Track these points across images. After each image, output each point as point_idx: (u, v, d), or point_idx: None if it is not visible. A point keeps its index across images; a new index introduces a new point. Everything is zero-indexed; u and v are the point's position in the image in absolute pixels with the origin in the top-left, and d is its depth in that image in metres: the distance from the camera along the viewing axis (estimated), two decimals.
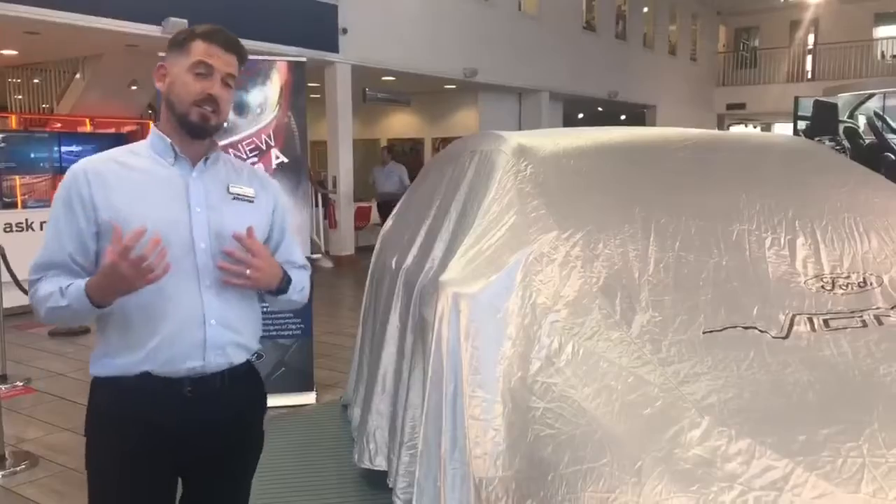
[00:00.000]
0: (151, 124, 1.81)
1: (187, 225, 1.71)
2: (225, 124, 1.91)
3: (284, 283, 1.82)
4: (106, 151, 1.77)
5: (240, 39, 1.79)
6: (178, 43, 1.75)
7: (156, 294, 1.63)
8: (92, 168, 1.71)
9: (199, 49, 1.72)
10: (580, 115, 20.95)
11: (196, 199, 1.74)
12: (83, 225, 1.68)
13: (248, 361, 1.85)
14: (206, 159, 1.78)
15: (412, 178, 4.31)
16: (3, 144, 9.16)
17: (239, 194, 1.81)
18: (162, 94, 1.76)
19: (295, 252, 1.95)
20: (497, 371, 2.04)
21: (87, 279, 1.63)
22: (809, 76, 22.78)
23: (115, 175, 1.70)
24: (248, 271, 1.70)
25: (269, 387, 5.00)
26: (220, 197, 1.78)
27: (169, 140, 1.75)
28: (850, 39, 21.43)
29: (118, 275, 1.54)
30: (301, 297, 1.91)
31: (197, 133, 1.74)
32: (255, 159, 4.58)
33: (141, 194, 1.70)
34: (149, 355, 1.69)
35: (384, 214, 11.58)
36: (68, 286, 1.64)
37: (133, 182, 1.71)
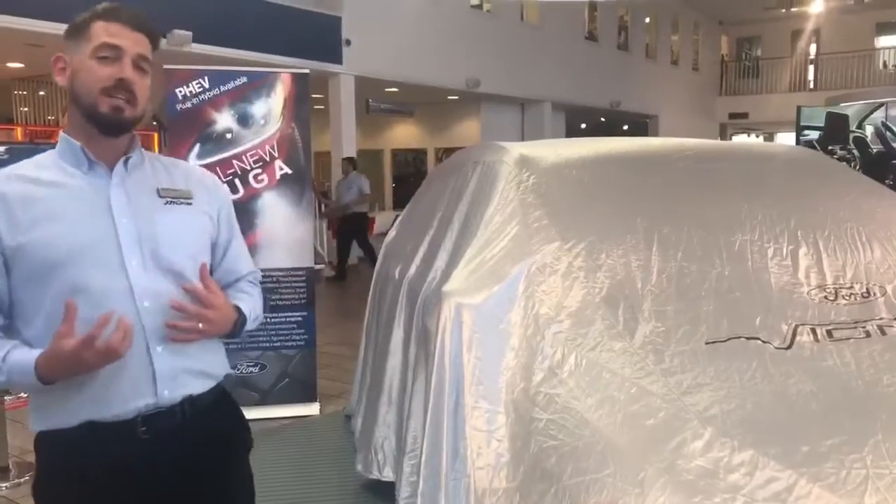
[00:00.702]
0: (61, 131, 1.54)
1: (113, 240, 1.45)
2: (151, 118, 1.66)
3: (238, 327, 1.59)
4: (7, 167, 1.51)
5: (148, 25, 1.53)
6: (76, 28, 1.49)
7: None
8: None
9: (100, 30, 1.46)
10: (583, 126, 20.98)
11: (119, 209, 1.47)
12: None
13: (216, 388, 1.61)
14: (127, 160, 1.51)
15: (411, 189, 4.33)
16: (6, 156, 9.18)
17: (173, 197, 1.55)
18: (66, 91, 1.50)
19: (242, 261, 1.71)
20: (500, 382, 2.04)
21: (36, 356, 1.37)
22: (811, 86, 22.82)
23: (17, 194, 1.43)
24: (200, 325, 1.47)
25: (273, 398, 5.02)
26: (149, 202, 1.52)
27: (78, 144, 1.48)
28: (851, 49, 21.47)
29: (79, 362, 1.34)
30: (254, 327, 1.67)
31: (110, 128, 1.47)
32: (259, 171, 4.59)
33: (52, 212, 1.43)
34: (87, 400, 1.43)
35: (343, 232, 10.80)
36: (5, 357, 1.39)
37: (41, 199, 1.44)
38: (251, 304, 1.66)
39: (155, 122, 12.60)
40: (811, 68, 23.29)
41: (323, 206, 11.72)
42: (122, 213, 1.48)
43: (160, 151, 11.47)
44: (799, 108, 10.41)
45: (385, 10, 11.72)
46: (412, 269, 3.17)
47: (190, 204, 1.58)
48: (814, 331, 2.07)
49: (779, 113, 20.40)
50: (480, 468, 2.00)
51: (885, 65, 22.27)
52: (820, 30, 22.61)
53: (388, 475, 3.11)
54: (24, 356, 1.39)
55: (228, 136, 4.54)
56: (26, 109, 13.53)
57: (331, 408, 4.87)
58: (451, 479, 2.11)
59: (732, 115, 23.71)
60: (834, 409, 1.75)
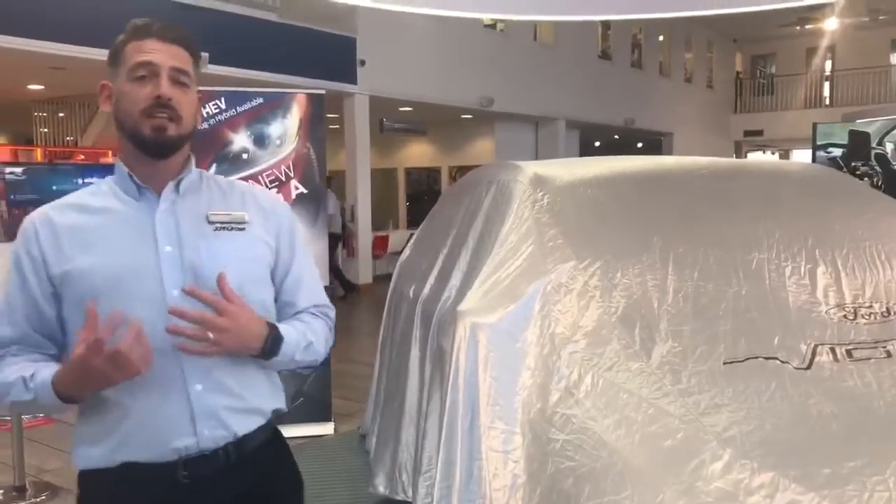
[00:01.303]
0: (117, 158, 1.51)
1: (155, 269, 1.37)
2: (198, 129, 1.50)
3: (269, 345, 1.40)
4: (66, 196, 1.49)
5: (187, 34, 1.45)
6: (113, 53, 1.43)
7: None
8: (42, 219, 1.42)
9: (132, 50, 1.39)
10: (597, 143, 20.98)
11: (164, 236, 1.40)
12: (36, 291, 1.39)
13: (266, 426, 1.49)
14: (179, 183, 1.44)
15: (425, 208, 4.33)
16: (23, 177, 9.30)
17: (223, 222, 1.44)
18: (113, 118, 1.44)
19: (302, 292, 1.53)
20: (516, 402, 2.02)
21: (55, 370, 1.33)
22: (827, 102, 22.72)
23: (68, 221, 1.41)
24: (210, 335, 1.32)
25: (288, 417, 5.01)
26: (196, 229, 1.42)
27: (126, 170, 1.43)
28: (867, 65, 21.38)
29: (92, 371, 1.25)
30: (308, 357, 1.49)
31: (156, 150, 1.40)
32: (276, 191, 4.62)
33: (96, 240, 1.38)
34: (124, 440, 1.36)
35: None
36: (32, 375, 1.34)
37: (88, 227, 1.40)
38: (299, 329, 1.48)
39: None
40: (826, 85, 23.20)
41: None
42: (167, 241, 1.40)
43: None
44: (815, 125, 10.37)
45: (399, 30, 11.81)
46: (427, 289, 3.17)
47: (242, 230, 1.45)
48: (833, 351, 2.04)
49: (794, 130, 20.31)
50: (497, 490, 1.99)
51: None
52: (835, 46, 22.55)
53: (405, 496, 3.10)
54: (45, 375, 1.34)
55: (245, 156, 4.58)
56: (46, 130, 13.72)
57: (345, 427, 4.86)
58: (466, 500, 2.09)
59: (747, 133, 23.63)
60: (855, 431, 1.72)
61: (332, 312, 1.60)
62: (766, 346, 2.04)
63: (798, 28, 20.04)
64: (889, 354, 2.06)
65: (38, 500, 3.82)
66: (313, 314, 1.55)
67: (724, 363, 1.96)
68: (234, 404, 1.42)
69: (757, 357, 2.00)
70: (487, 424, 2.05)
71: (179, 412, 1.37)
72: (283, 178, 4.65)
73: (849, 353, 2.04)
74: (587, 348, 2.01)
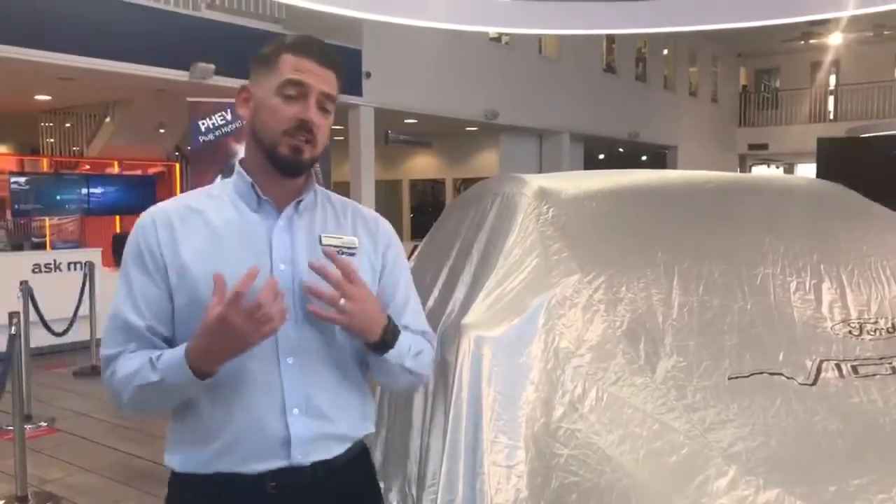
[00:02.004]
0: (237, 162, 1.50)
1: None
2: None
3: (389, 334, 1.41)
4: (181, 195, 1.51)
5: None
6: (264, 59, 1.42)
7: (224, 373, 1.32)
8: (160, 216, 1.42)
9: (288, 64, 1.39)
10: (601, 156, 21.01)
11: (280, 255, 1.40)
12: (160, 283, 1.39)
13: (354, 447, 1.49)
14: (299, 202, 1.45)
15: (430, 220, 4.32)
16: (26, 187, 9.35)
17: (334, 246, 1.43)
18: (246, 124, 1.46)
19: (407, 315, 1.53)
20: (520, 416, 2.02)
21: (185, 344, 1.32)
22: (831, 117, 22.74)
23: (185, 224, 1.41)
24: (342, 301, 1.32)
25: None
26: (309, 250, 1.42)
27: (250, 180, 1.44)
28: (871, 80, 21.41)
29: (230, 330, 1.25)
30: (418, 366, 1.49)
31: (288, 170, 1.42)
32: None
33: (213, 248, 1.39)
34: (220, 452, 1.38)
35: None
36: (159, 357, 1.34)
37: (205, 232, 1.40)
38: (410, 337, 1.49)
39: (177, 153, 12.81)
40: (831, 99, 23.23)
41: None
42: (282, 259, 1.40)
43: (181, 182, 11.65)
44: (820, 140, 10.38)
45: (404, 42, 11.87)
46: (430, 301, 3.17)
47: (353, 255, 1.45)
48: (839, 367, 2.03)
49: (799, 144, 20.32)
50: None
51: None
52: (839, 61, 22.59)
53: None
54: (176, 351, 1.32)
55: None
56: (52, 140, 13.80)
57: None
58: None
59: (752, 146, 23.64)
60: (861, 448, 1.71)
61: (435, 341, 1.61)
62: (772, 361, 2.04)
63: (802, 42, 20.11)
64: (894, 371, 2.05)
65: None
66: (415, 333, 1.54)
67: (730, 378, 1.96)
68: (329, 430, 1.43)
69: (762, 372, 1.99)
70: (491, 439, 2.05)
71: (276, 435, 1.38)
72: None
73: (854, 369, 2.03)
74: (592, 363, 2.00)
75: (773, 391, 1.91)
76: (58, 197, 9.73)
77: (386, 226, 1.58)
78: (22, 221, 10.24)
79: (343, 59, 1.45)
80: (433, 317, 3.00)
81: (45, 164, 11.94)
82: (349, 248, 1.45)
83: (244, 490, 1.38)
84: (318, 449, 1.42)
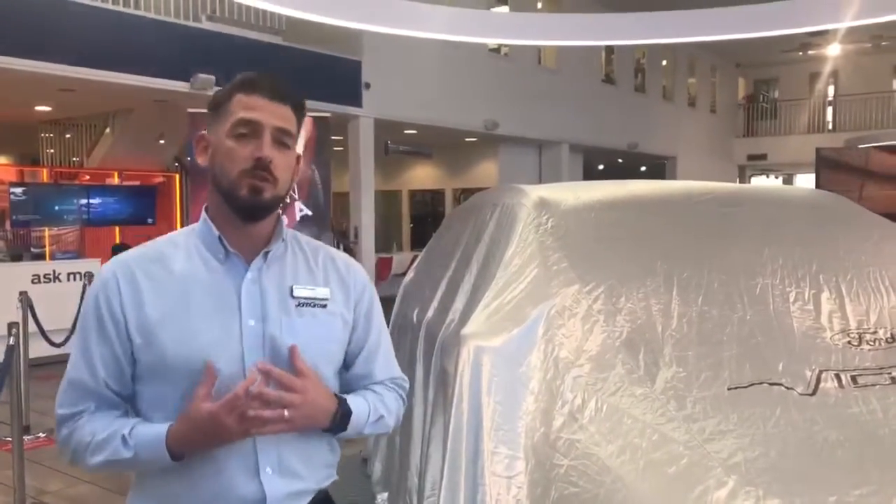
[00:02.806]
0: (203, 209, 1.43)
1: (237, 343, 1.33)
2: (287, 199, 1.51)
3: (338, 422, 1.38)
4: (143, 245, 1.42)
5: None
6: (217, 104, 1.39)
7: None
8: (123, 271, 1.36)
9: (239, 104, 1.35)
10: (600, 167, 21.04)
11: (249, 310, 1.35)
12: (117, 347, 1.34)
13: (319, 493, 1.46)
14: (267, 254, 1.39)
15: (429, 230, 4.35)
16: (26, 197, 9.37)
17: (307, 298, 1.40)
18: (208, 171, 1.40)
19: (378, 366, 1.51)
20: (519, 427, 2.02)
21: (167, 426, 1.28)
22: (830, 127, 22.80)
23: (149, 278, 1.35)
24: (285, 412, 1.27)
25: None
26: (280, 304, 1.38)
27: (217, 234, 1.37)
28: (869, 91, 21.48)
29: (219, 427, 1.23)
30: (377, 430, 1.49)
31: (249, 213, 1.36)
32: (280, 212, 4.64)
33: (178, 306, 1.33)
34: None
35: None
36: (131, 431, 1.30)
37: (170, 289, 1.34)
38: (371, 401, 1.46)
39: (177, 165, 12.84)
40: (829, 110, 23.30)
41: (342, 245, 11.81)
42: (251, 315, 1.35)
43: (181, 193, 11.66)
44: (818, 150, 10.40)
45: (404, 54, 11.92)
46: (430, 311, 3.17)
47: (324, 307, 1.41)
48: (838, 377, 2.03)
49: (798, 154, 20.36)
50: None
51: None
52: (838, 71, 22.67)
53: None
54: (153, 429, 1.29)
55: (286, 198, 4.60)
56: (52, 151, 13.83)
57: (347, 450, 4.82)
58: None
59: (751, 157, 23.69)
60: (861, 458, 1.71)
61: (407, 384, 1.60)
62: (771, 371, 2.04)
63: (801, 53, 20.20)
64: (894, 380, 2.04)
65: None
66: (386, 386, 1.53)
67: (729, 389, 1.95)
68: (299, 487, 1.39)
69: (762, 383, 1.99)
70: (490, 449, 2.04)
71: (250, 497, 1.33)
72: (288, 200, 4.68)
73: (854, 379, 2.03)
74: (591, 373, 2.00)
75: (773, 401, 1.91)
76: (57, 207, 9.75)
77: (359, 273, 1.53)
78: (21, 232, 10.25)
79: (299, 92, 1.41)
80: (433, 327, 3.00)
81: (45, 175, 11.97)
82: (321, 299, 1.41)
83: None
84: None
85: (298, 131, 1.41)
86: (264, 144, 1.33)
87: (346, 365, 1.49)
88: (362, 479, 4.16)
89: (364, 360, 1.49)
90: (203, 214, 1.41)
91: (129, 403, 1.37)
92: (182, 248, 1.39)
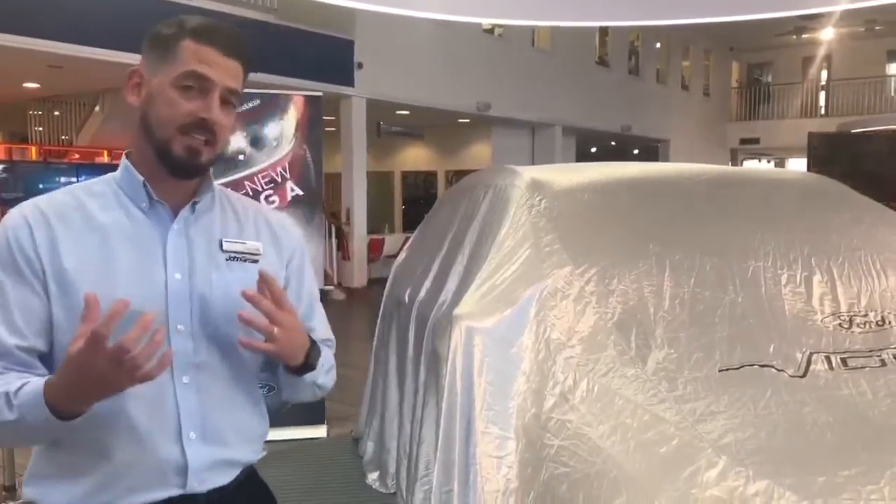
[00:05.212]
0: (124, 154, 1.32)
1: (162, 298, 1.22)
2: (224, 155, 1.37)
3: (313, 357, 1.31)
4: (57, 191, 1.29)
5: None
6: (161, 41, 1.25)
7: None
8: (34, 215, 1.22)
9: (189, 52, 1.22)
10: (593, 150, 21.02)
11: (175, 263, 1.25)
12: (38, 294, 1.18)
13: (245, 471, 1.36)
14: (195, 204, 1.29)
15: (421, 211, 4.33)
16: (4, 175, 9.32)
17: (237, 252, 1.30)
18: (136, 112, 1.27)
19: (315, 323, 1.42)
20: (511, 407, 2.02)
21: (45, 379, 1.12)
22: (823, 111, 22.82)
23: (65, 224, 1.22)
24: (275, 330, 1.20)
25: (280, 420, 5.01)
26: (209, 257, 1.28)
27: (141, 179, 1.26)
28: (863, 75, 21.48)
29: (91, 372, 1.05)
30: (326, 381, 1.39)
31: (180, 172, 1.25)
32: (271, 192, 4.61)
33: (98, 256, 1.21)
34: (101, 484, 1.20)
35: None
36: (18, 390, 1.12)
37: (89, 235, 1.22)
38: (324, 352, 1.37)
39: None
40: (822, 94, 23.30)
41: (333, 227, 11.78)
42: (177, 267, 1.25)
43: None
44: (810, 134, 10.41)
45: (397, 33, 11.83)
46: (422, 292, 3.16)
47: (255, 262, 1.31)
48: (828, 359, 2.04)
49: (790, 138, 20.40)
50: (490, 494, 1.98)
51: None
52: (831, 56, 22.65)
53: (401, 500, 3.09)
54: (33, 386, 1.12)
55: (241, 157, 4.57)
56: (41, 129, 13.69)
57: (337, 430, 4.85)
58: None
59: (744, 141, 23.71)
60: (850, 439, 1.72)
61: (333, 345, 1.49)
62: (762, 353, 2.04)
63: (794, 37, 20.14)
64: (884, 363, 2.06)
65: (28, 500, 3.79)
66: (326, 345, 1.43)
67: (720, 370, 1.96)
68: (226, 456, 1.30)
69: (752, 365, 2.00)
70: (482, 429, 2.05)
71: (170, 462, 1.23)
72: (279, 180, 4.64)
73: (844, 361, 2.04)
74: (583, 354, 2.00)
75: (764, 383, 1.92)
76: (40, 185, 9.67)
77: (291, 230, 1.44)
78: (7, 210, 10.18)
79: (249, 50, 1.29)
80: (425, 308, 3.00)
81: (33, 153, 11.86)
82: (252, 254, 1.32)
83: None
84: (215, 475, 1.28)
85: (243, 88, 1.30)
86: (213, 105, 1.22)
87: None
88: (354, 459, 4.17)
89: (303, 318, 1.35)
90: (124, 160, 1.29)
91: (46, 365, 1.21)
92: (100, 196, 1.27)
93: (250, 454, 1.36)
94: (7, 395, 1.12)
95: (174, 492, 1.24)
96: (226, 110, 1.25)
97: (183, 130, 1.22)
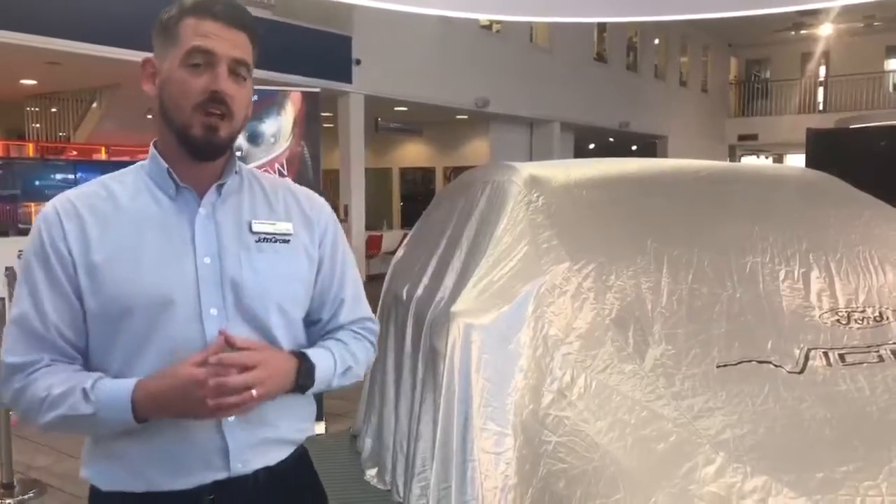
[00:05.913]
0: (151, 144, 1.34)
1: (193, 283, 1.23)
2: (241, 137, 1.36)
3: (303, 379, 1.28)
4: (87, 183, 1.31)
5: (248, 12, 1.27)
6: (164, 26, 1.25)
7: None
8: (65, 208, 1.24)
9: (190, 29, 1.22)
10: (591, 146, 21.01)
11: (204, 247, 1.25)
12: (67, 286, 1.22)
13: (296, 451, 1.38)
14: (221, 186, 1.30)
15: (419, 208, 4.32)
16: (9, 171, 9.29)
17: (268, 233, 1.30)
18: (154, 101, 1.29)
19: (345, 307, 1.40)
20: (508, 403, 2.02)
21: (137, 381, 1.18)
22: (821, 108, 22.81)
23: (95, 216, 1.24)
24: (253, 392, 1.17)
25: None
26: (238, 239, 1.28)
27: (166, 166, 1.27)
28: (861, 71, 21.48)
29: (193, 397, 1.14)
30: (346, 381, 1.37)
31: (202, 152, 1.25)
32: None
33: (127, 244, 1.22)
34: (151, 467, 1.24)
35: None
36: (93, 386, 1.18)
37: (119, 226, 1.24)
38: (337, 352, 1.35)
39: None
40: (821, 90, 23.29)
41: None
42: (206, 251, 1.25)
43: None
44: (809, 131, 10.40)
45: (395, 30, 11.80)
46: (420, 289, 3.16)
47: (287, 242, 1.31)
48: (826, 355, 2.04)
49: (788, 135, 20.38)
50: (488, 490, 1.98)
51: (895, 87, 22.26)
52: (829, 52, 22.64)
53: (397, 497, 3.09)
54: (119, 383, 1.18)
55: (238, 153, 4.56)
56: (38, 126, 13.65)
57: (336, 427, 4.85)
58: (459, 502, 2.09)
59: (742, 137, 23.69)
60: (848, 435, 1.72)
61: (376, 326, 1.47)
62: (760, 349, 2.04)
63: (793, 33, 20.14)
64: (881, 359, 2.06)
65: (27, 497, 3.79)
66: (354, 333, 1.41)
67: (718, 366, 1.96)
68: (269, 435, 1.30)
69: (750, 361, 2.00)
70: (480, 426, 2.05)
71: (211, 446, 1.25)
72: (277, 176, 4.64)
73: (842, 357, 2.04)
74: (580, 350, 2.00)
75: (762, 379, 1.92)
76: (44, 182, 9.65)
77: (322, 207, 1.42)
78: (7, 207, 10.15)
79: (253, 19, 1.29)
80: (423, 304, 3.00)
81: (31, 150, 11.83)
82: (283, 235, 1.31)
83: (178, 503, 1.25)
84: (260, 455, 1.29)
85: (254, 62, 1.30)
86: (220, 77, 1.22)
87: (312, 307, 1.38)
88: (352, 455, 4.17)
89: (332, 302, 1.37)
90: (152, 149, 1.30)
91: (83, 357, 1.25)
92: (129, 185, 1.28)
93: (295, 433, 1.37)
94: (84, 390, 1.17)
95: (221, 475, 1.26)
96: (237, 82, 1.25)
97: (198, 108, 1.22)
